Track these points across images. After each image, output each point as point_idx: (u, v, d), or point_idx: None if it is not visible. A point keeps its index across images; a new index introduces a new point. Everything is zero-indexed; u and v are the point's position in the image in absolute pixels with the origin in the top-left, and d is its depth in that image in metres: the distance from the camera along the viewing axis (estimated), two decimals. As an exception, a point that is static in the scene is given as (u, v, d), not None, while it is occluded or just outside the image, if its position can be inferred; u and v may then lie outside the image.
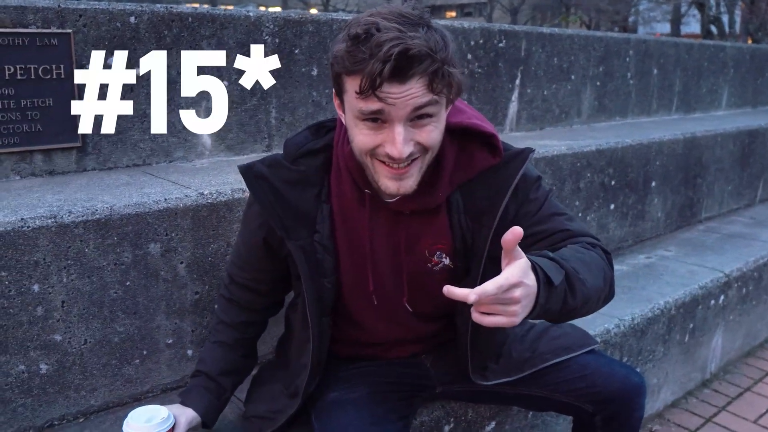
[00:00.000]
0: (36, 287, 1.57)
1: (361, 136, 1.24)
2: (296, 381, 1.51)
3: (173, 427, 1.45)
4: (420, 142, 1.24)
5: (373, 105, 1.18)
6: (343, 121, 1.33)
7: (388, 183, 1.28)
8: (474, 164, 1.41)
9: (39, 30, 1.87)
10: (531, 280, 1.14)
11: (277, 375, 1.61)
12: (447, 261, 1.45)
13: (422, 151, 1.26)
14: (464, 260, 1.45)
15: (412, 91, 1.16)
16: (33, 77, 1.89)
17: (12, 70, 1.85)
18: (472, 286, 1.43)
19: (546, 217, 1.43)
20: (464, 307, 1.47)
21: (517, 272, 1.10)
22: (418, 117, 1.21)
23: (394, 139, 1.20)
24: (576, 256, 1.32)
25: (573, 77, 3.66)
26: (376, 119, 1.21)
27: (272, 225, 1.38)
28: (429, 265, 1.45)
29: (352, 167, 1.36)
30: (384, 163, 1.26)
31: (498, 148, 1.40)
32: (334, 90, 1.30)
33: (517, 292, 1.10)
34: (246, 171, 1.39)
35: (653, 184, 3.36)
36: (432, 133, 1.25)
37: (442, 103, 1.24)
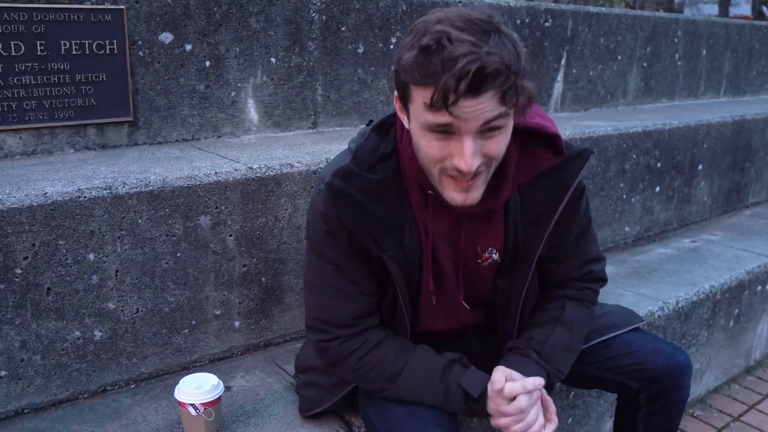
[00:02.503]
0: (91, 256, 1.62)
1: (429, 148, 1.20)
2: None
3: (221, 396, 1.50)
4: (487, 153, 1.20)
5: (443, 118, 1.13)
6: (405, 125, 1.29)
7: (455, 195, 1.24)
8: (536, 164, 1.38)
9: (93, 6, 1.91)
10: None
11: None
12: (496, 256, 1.45)
13: (488, 163, 1.22)
14: (512, 256, 1.45)
15: (484, 106, 1.12)
16: (87, 52, 1.93)
17: (67, 45, 1.90)
18: (522, 282, 1.46)
19: (573, 246, 1.50)
20: (506, 297, 1.48)
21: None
22: (488, 129, 1.16)
23: (463, 152, 1.16)
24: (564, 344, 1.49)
25: (619, 58, 3.59)
26: (445, 131, 1.16)
27: (364, 241, 1.33)
28: (479, 260, 1.45)
29: (415, 170, 1.32)
30: (451, 176, 1.22)
31: (561, 148, 1.37)
32: (396, 94, 1.26)
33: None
34: (329, 191, 1.31)
35: (700, 167, 3.30)
36: (500, 145, 1.21)
37: (512, 114, 1.20)
